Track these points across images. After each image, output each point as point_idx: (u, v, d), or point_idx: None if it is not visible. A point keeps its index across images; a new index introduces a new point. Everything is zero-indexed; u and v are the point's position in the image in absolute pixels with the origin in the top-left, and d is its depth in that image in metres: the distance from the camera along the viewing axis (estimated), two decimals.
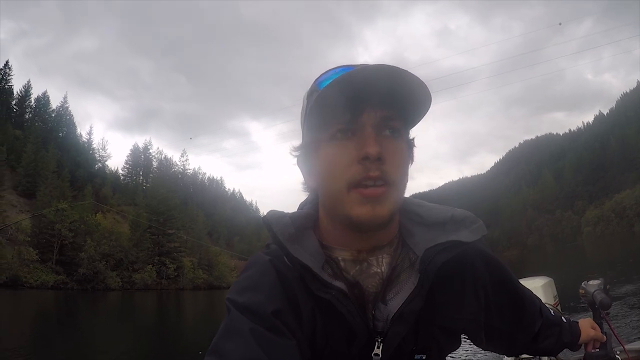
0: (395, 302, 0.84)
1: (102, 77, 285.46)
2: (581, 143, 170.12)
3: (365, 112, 0.80)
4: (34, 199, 61.11)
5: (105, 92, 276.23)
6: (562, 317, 1.26)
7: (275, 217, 0.88)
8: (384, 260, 0.88)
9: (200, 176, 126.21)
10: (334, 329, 0.84)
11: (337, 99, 0.78)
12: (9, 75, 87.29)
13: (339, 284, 0.81)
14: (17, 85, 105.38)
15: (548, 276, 3.27)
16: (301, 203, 0.98)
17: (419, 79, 0.77)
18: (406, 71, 0.76)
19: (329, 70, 0.87)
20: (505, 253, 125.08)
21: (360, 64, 0.81)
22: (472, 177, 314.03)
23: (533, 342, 1.15)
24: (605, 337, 1.38)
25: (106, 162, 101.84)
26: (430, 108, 0.83)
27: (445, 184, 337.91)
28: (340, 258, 0.88)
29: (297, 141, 0.93)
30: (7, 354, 12.83)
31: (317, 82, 0.87)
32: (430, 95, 0.80)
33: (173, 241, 72.45)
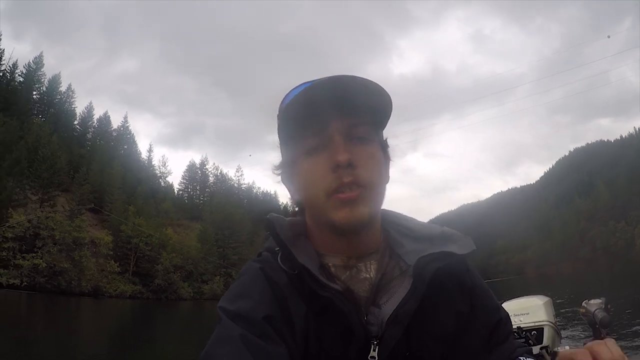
0: (390, 305, 0.85)
1: (147, 95, 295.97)
2: (635, 149, 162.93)
3: (331, 123, 0.83)
4: (100, 213, 65.41)
5: (150, 110, 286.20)
6: (544, 351, 1.11)
7: (276, 220, 0.91)
8: (371, 266, 0.90)
9: (255, 190, 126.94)
10: (328, 333, 0.83)
11: (301, 115, 0.81)
12: (71, 97, 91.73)
13: (335, 286, 0.83)
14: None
15: (546, 295, 3.36)
16: (291, 213, 0.99)
17: (374, 82, 0.81)
18: (360, 78, 0.80)
19: (293, 89, 0.90)
20: (557, 266, 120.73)
21: (318, 79, 0.83)
22: (522, 187, 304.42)
23: None
24: None
25: (167, 178, 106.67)
26: (392, 108, 0.86)
27: (494, 195, 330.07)
28: (331, 264, 0.90)
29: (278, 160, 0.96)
30: (93, 358, 14.51)
31: (282, 102, 0.90)
32: (389, 96, 0.83)
33: (238, 253, 75.77)
